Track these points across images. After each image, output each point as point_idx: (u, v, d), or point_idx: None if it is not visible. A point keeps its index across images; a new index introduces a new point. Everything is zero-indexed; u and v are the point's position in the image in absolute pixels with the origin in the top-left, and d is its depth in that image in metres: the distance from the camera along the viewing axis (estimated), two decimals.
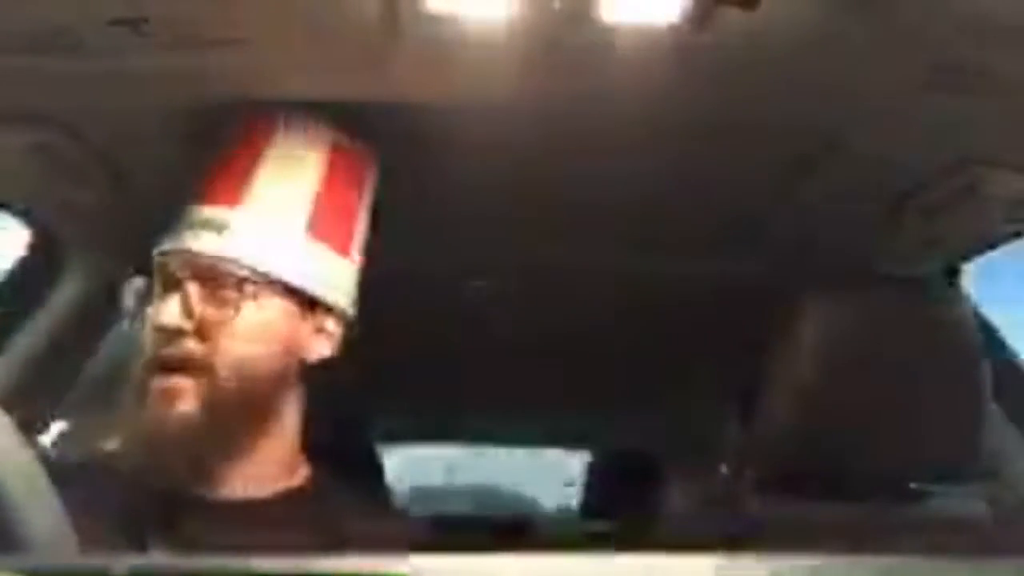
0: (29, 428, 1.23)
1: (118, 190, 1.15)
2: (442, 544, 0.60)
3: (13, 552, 0.47)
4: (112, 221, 1.22)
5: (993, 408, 1.06)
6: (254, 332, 0.91)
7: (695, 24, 0.86)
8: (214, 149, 1.00)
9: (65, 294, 1.29)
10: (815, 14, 0.84)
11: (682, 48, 0.90)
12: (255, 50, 0.90)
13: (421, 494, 3.15)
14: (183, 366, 0.89)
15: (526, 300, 1.66)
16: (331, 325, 0.97)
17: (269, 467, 0.94)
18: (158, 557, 0.49)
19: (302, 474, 0.97)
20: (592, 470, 2.84)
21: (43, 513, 0.49)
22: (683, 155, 1.16)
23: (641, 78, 0.97)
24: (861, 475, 1.00)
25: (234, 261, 0.91)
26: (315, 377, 0.97)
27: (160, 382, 0.89)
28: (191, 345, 0.89)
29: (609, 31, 0.88)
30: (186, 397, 0.88)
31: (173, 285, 0.91)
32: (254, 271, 0.91)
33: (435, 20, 0.87)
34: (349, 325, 0.98)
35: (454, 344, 1.82)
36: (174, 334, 0.89)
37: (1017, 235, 1.26)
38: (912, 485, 1.04)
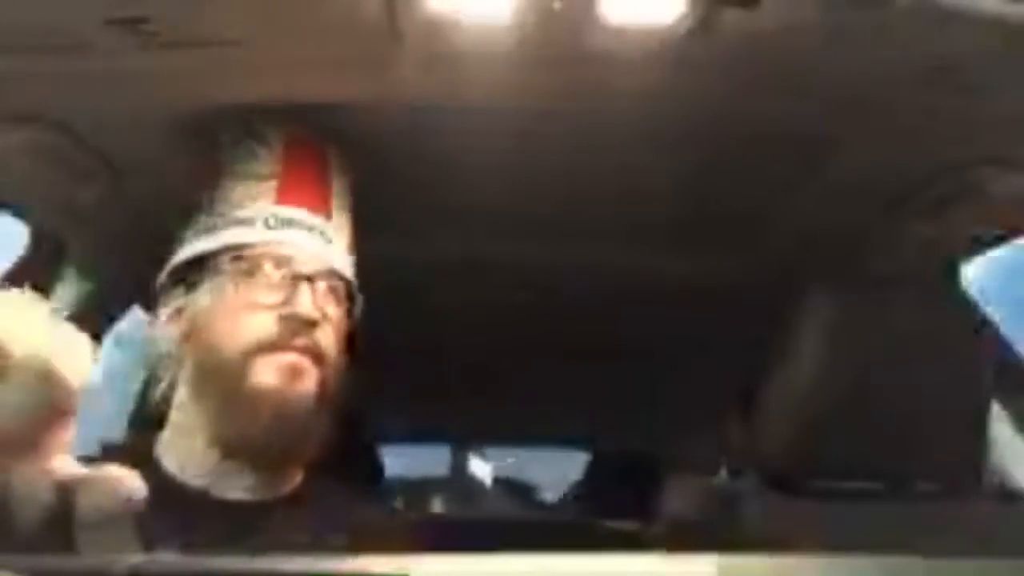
0: None
1: (118, 190, 1.15)
2: (442, 544, 0.60)
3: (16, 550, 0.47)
4: (112, 221, 1.22)
5: (996, 408, 1.06)
6: (340, 336, 0.96)
7: (695, 24, 0.86)
8: (214, 149, 1.00)
9: (65, 294, 1.29)
10: (815, 14, 0.84)
11: (682, 48, 0.90)
12: (255, 50, 0.90)
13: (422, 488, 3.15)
14: (307, 353, 0.91)
15: (526, 299, 1.66)
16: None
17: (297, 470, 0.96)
18: (159, 557, 0.49)
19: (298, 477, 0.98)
20: (592, 470, 2.84)
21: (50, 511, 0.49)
22: (683, 155, 1.16)
23: (641, 78, 0.97)
24: (861, 475, 1.01)
25: (337, 273, 0.97)
26: None
27: (284, 359, 0.90)
28: (319, 336, 0.92)
29: (609, 31, 0.88)
30: (309, 377, 0.91)
31: (292, 278, 0.93)
32: (342, 277, 0.97)
33: (435, 21, 0.87)
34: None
35: (454, 344, 1.82)
36: (307, 325, 0.91)
37: (1018, 235, 1.26)
38: (913, 486, 1.04)
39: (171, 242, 0.99)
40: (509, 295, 1.64)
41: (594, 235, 1.39)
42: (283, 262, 0.94)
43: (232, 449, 0.91)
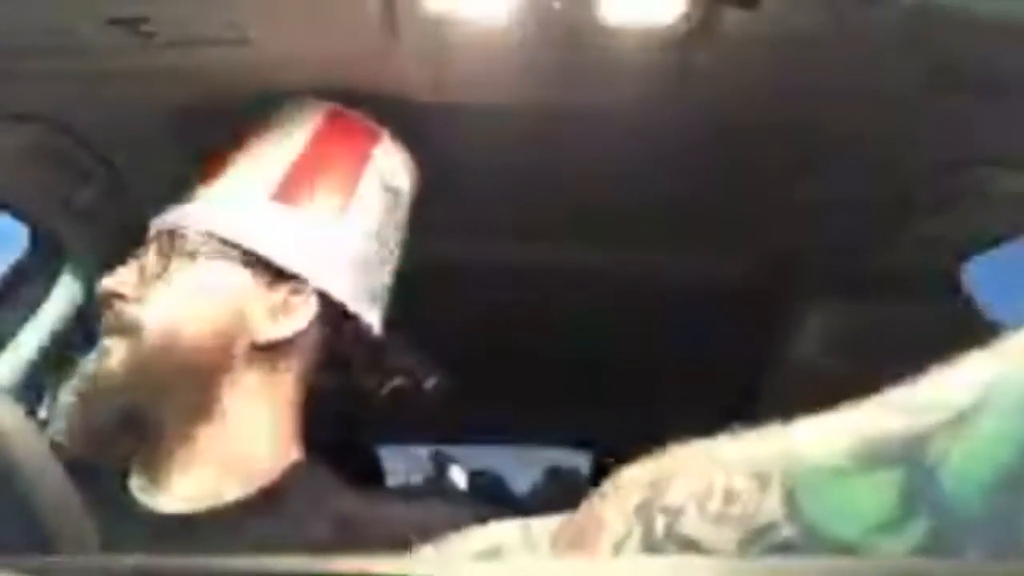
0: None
1: (118, 190, 1.15)
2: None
3: (26, 549, 0.47)
4: (112, 221, 1.22)
5: None
6: (187, 293, 0.85)
7: (695, 24, 0.86)
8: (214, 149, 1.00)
9: (65, 294, 1.29)
10: (815, 14, 0.84)
11: (682, 48, 0.90)
12: (255, 50, 0.90)
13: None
14: (115, 329, 0.84)
15: (525, 299, 1.66)
16: (295, 301, 0.87)
17: (211, 469, 0.83)
18: (160, 557, 0.48)
19: (260, 480, 0.84)
20: (593, 470, 2.84)
21: (59, 505, 0.49)
22: (683, 155, 1.16)
23: (641, 78, 0.97)
24: None
25: (186, 227, 0.87)
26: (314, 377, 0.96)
27: (100, 346, 0.85)
28: (122, 306, 0.84)
29: (609, 31, 0.88)
30: (113, 354, 0.83)
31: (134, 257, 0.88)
32: (210, 234, 0.86)
33: (434, 20, 0.87)
34: (332, 305, 0.89)
35: (454, 343, 1.82)
36: (110, 298, 0.85)
37: (1018, 234, 1.26)
38: None
39: None
40: (508, 295, 1.64)
41: (593, 234, 1.39)
42: (168, 237, 0.88)
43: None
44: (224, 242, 0.86)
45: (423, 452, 3.16)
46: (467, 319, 1.72)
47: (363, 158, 0.95)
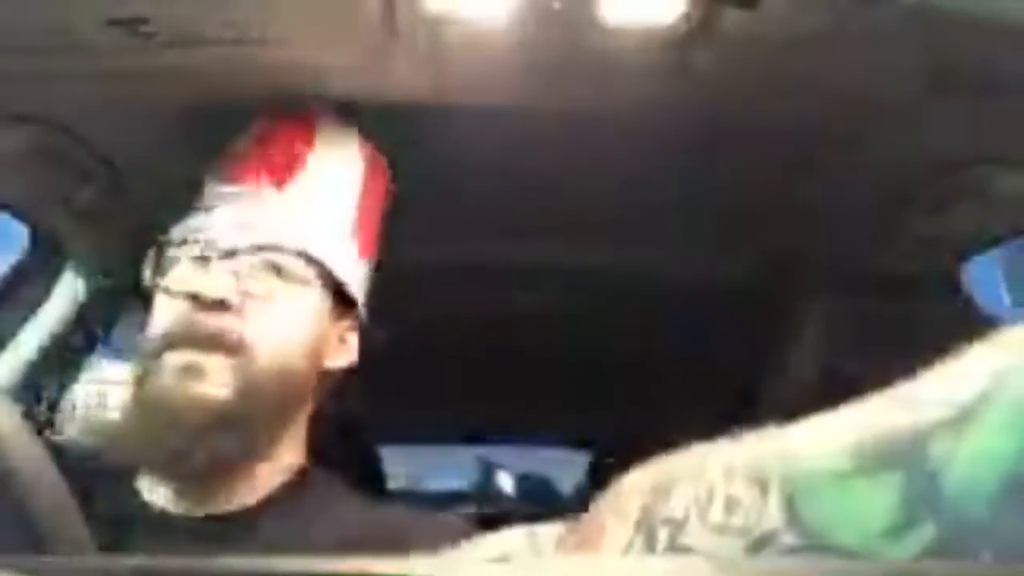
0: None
1: (118, 190, 1.15)
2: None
3: (20, 548, 0.47)
4: (112, 221, 1.22)
5: None
6: (290, 319, 0.82)
7: (695, 24, 0.86)
8: (214, 149, 1.00)
9: (65, 294, 1.29)
10: (815, 14, 0.84)
11: (682, 48, 0.90)
12: (254, 50, 0.90)
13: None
14: (215, 344, 0.78)
15: (525, 299, 1.66)
16: (351, 336, 0.90)
17: (262, 480, 0.83)
18: (161, 557, 0.48)
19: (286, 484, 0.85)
20: (593, 470, 2.84)
21: (54, 508, 0.49)
22: (683, 155, 1.16)
23: (641, 78, 0.97)
24: None
25: (282, 244, 0.84)
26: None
27: (180, 357, 0.78)
28: (226, 320, 0.79)
29: (609, 31, 0.88)
30: (215, 375, 0.77)
31: (201, 257, 0.82)
32: (303, 254, 0.84)
33: (435, 20, 0.87)
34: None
35: (454, 343, 1.82)
36: (213, 307, 0.78)
37: (1018, 235, 1.26)
38: None
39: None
40: (508, 295, 1.64)
41: (593, 235, 1.39)
42: (203, 244, 0.83)
43: (144, 465, 0.82)
44: (319, 267, 0.85)
45: (467, 458, 3.14)
46: (467, 319, 1.72)
47: (384, 202, 0.98)
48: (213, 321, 0.79)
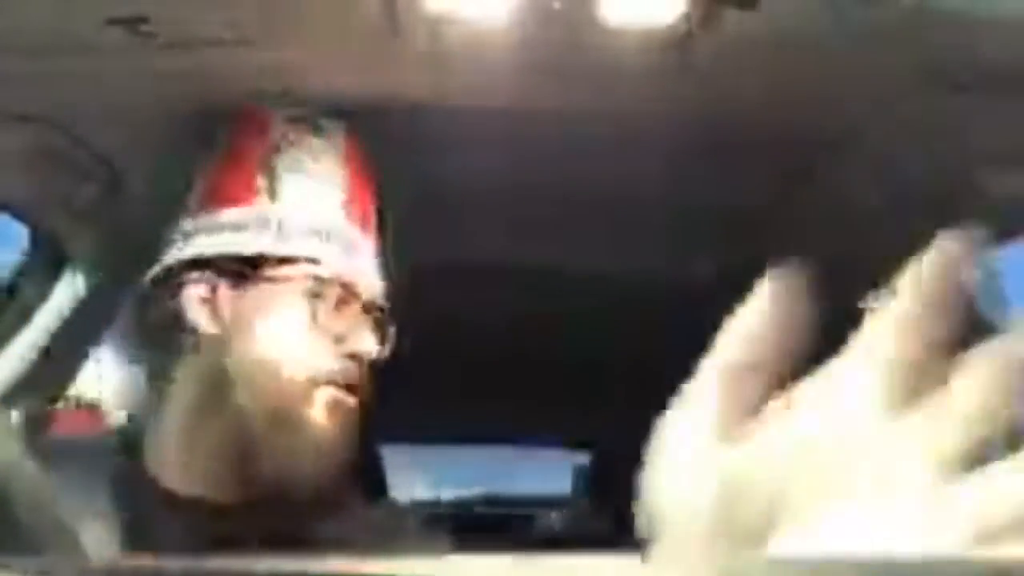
0: (30, 427, 1.23)
1: (118, 190, 1.15)
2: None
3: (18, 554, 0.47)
4: (112, 221, 1.22)
5: None
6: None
7: (695, 24, 0.86)
8: (214, 149, 1.00)
9: (65, 294, 1.29)
10: (815, 14, 0.84)
11: (682, 49, 0.90)
12: (255, 50, 0.90)
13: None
14: (350, 389, 0.87)
15: (525, 300, 1.66)
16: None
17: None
18: (161, 557, 0.48)
19: None
20: (593, 470, 2.84)
21: (46, 516, 0.49)
22: (683, 155, 1.16)
23: (641, 78, 0.97)
24: None
25: (372, 285, 0.92)
26: None
27: (331, 393, 0.86)
28: (349, 364, 0.87)
29: (609, 31, 0.88)
30: (347, 410, 0.86)
31: (359, 311, 0.89)
32: (374, 291, 0.92)
33: (435, 21, 0.87)
34: None
35: (454, 344, 1.82)
36: (364, 364, 0.88)
37: (1018, 235, 1.26)
38: None
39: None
40: (509, 295, 1.64)
41: (593, 235, 1.39)
42: (349, 289, 0.89)
43: (252, 472, 0.84)
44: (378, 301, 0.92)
45: (468, 458, 3.13)
46: (468, 319, 1.72)
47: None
48: (360, 372, 0.88)
